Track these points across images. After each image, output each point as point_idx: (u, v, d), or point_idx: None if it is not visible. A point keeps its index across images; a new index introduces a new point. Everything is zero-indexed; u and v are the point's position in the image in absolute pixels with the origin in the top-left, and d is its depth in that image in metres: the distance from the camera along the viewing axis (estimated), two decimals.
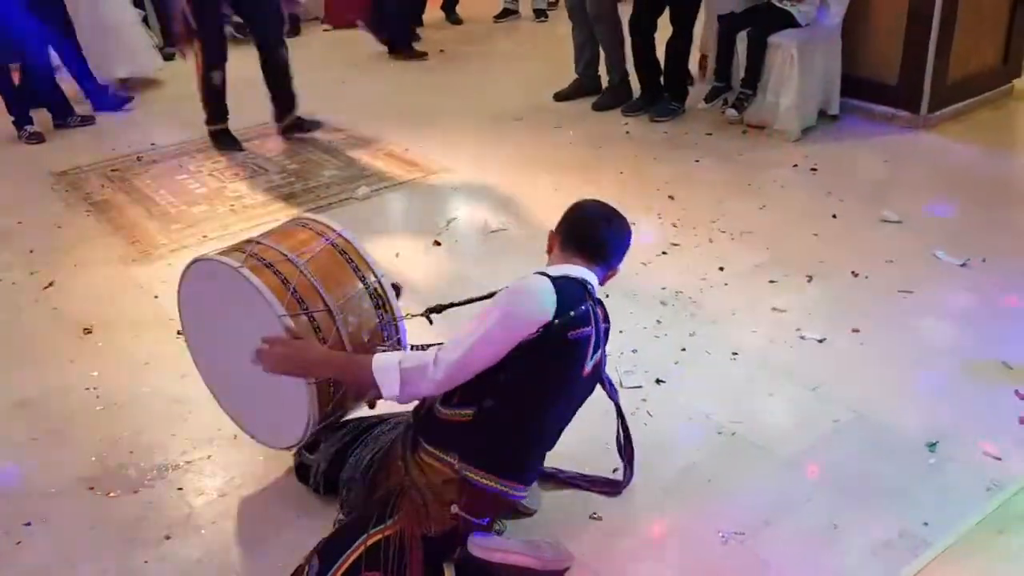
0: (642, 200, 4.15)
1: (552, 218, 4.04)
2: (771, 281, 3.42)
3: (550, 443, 2.24)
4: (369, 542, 2.02)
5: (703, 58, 5.58)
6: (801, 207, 4.04)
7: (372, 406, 2.46)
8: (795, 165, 4.46)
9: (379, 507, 2.10)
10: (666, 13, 5.03)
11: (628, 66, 5.36)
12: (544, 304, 1.97)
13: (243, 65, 5.36)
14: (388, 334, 2.30)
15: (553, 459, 2.36)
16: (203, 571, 2.30)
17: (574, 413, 2.25)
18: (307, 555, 2.09)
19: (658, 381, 2.86)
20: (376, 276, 2.28)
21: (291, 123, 5.30)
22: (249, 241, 2.36)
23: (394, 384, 1.99)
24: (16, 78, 5.57)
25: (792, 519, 2.31)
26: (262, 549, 2.35)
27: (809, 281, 3.41)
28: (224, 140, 5.21)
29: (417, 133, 5.19)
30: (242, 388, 2.44)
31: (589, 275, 2.13)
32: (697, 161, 4.60)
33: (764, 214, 3.98)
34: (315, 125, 5.34)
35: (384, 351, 2.15)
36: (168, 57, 6.80)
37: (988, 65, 5.09)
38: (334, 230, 2.33)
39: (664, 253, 3.67)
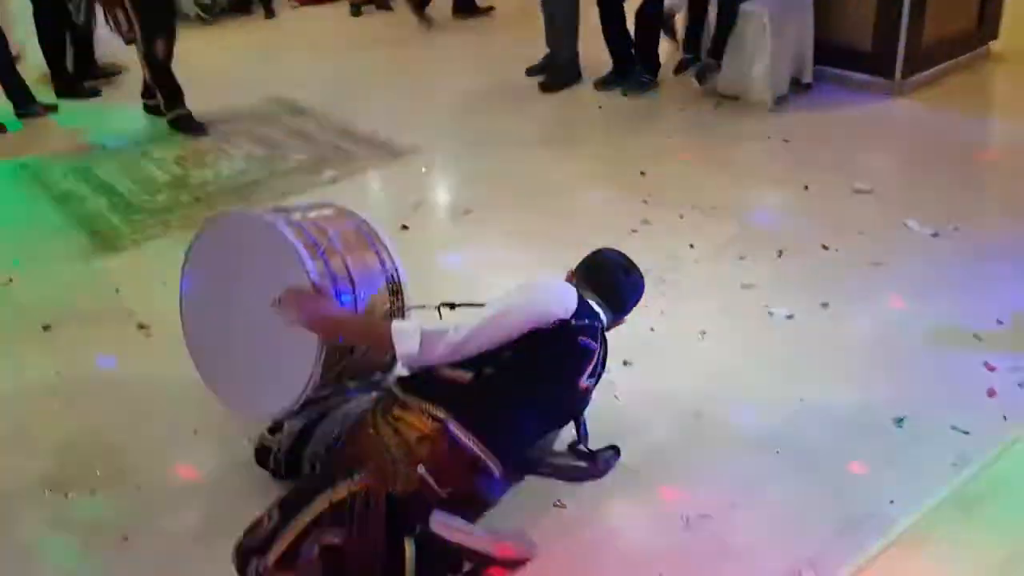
0: (613, 177, 4.09)
1: (521, 199, 4.03)
2: (741, 257, 3.37)
3: (529, 439, 2.24)
4: (334, 498, 1.99)
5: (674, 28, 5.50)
6: (773, 180, 3.99)
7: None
8: (768, 136, 4.40)
9: (345, 465, 2.08)
10: None
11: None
12: (566, 303, 2.16)
13: (207, 49, 5.30)
14: (395, 313, 2.38)
15: None
16: (162, 572, 2.26)
17: (558, 424, 2.34)
18: (268, 507, 2.06)
19: (625, 363, 2.81)
20: (394, 263, 2.38)
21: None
22: (280, 207, 2.45)
23: (414, 343, 2.08)
24: None
25: (758, 501, 2.28)
26: (223, 548, 2.30)
27: (779, 256, 3.36)
28: (190, 125, 5.09)
29: (387, 113, 5.10)
30: (236, 352, 2.43)
31: (601, 312, 2.30)
32: (669, 136, 4.54)
33: (735, 188, 3.93)
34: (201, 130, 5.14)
35: None
36: (129, 41, 6.65)
37: (963, 28, 5.02)
38: (360, 216, 2.46)
39: (634, 231, 3.61)
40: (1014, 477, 2.26)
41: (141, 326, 3.30)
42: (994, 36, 5.21)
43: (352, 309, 2.26)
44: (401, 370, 2.34)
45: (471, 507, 2.20)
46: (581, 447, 2.40)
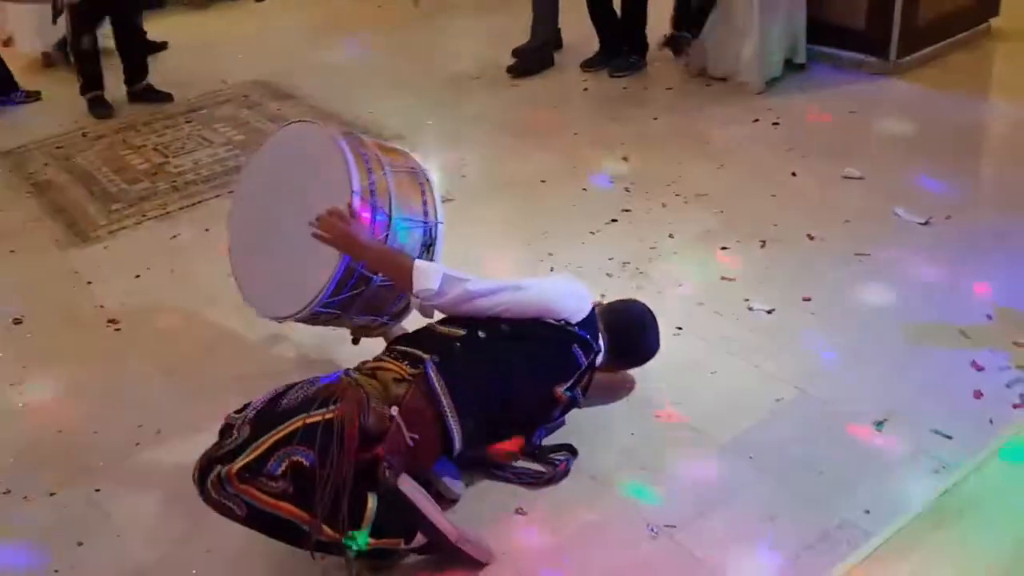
0: (595, 163, 3.98)
1: (501, 186, 3.94)
2: (723, 248, 3.27)
3: (493, 419, 2.20)
4: (308, 420, 1.96)
5: None
6: (760, 166, 3.86)
7: (356, 341, 2.55)
8: (756, 120, 4.26)
9: (320, 396, 2.04)
10: None
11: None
12: (579, 308, 2.28)
13: (196, 32, 5.19)
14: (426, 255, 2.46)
15: None
16: None
17: (522, 416, 2.29)
18: (237, 423, 2.04)
19: None
20: (437, 220, 2.44)
21: (139, 91, 5.25)
22: (352, 134, 2.54)
23: (434, 281, 2.15)
24: None
25: (727, 510, 2.20)
26: (179, 551, 2.25)
27: (762, 246, 3.25)
28: (97, 107, 5.14)
29: (370, 97, 4.99)
30: (267, 252, 2.53)
31: (603, 347, 2.39)
32: (655, 119, 4.42)
33: (721, 174, 3.81)
34: (167, 96, 5.25)
35: None
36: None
37: (962, 4, 4.83)
38: (424, 169, 2.56)
39: (614, 220, 3.51)
40: (998, 487, 2.12)
41: (111, 321, 3.25)
42: (995, 12, 5.02)
43: (383, 237, 2.32)
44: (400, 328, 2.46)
45: (429, 461, 2.18)
46: (534, 450, 2.35)
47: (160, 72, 5.29)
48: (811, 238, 3.27)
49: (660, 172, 3.86)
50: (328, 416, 1.98)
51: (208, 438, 2.11)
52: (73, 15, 4.94)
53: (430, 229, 2.43)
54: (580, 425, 2.46)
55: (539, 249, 3.37)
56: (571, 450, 2.36)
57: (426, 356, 2.14)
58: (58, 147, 4.84)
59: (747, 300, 2.96)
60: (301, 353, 2.92)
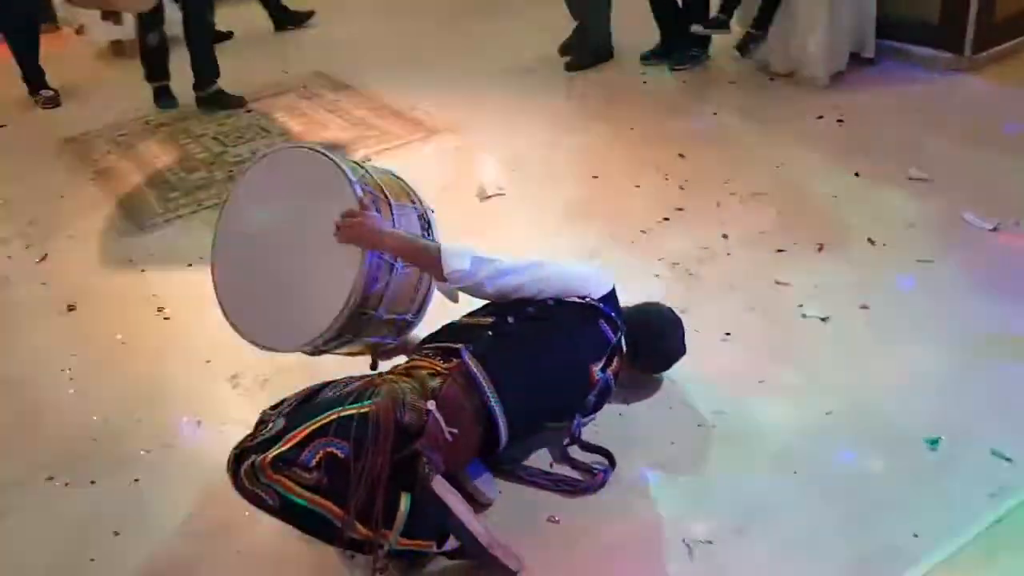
0: (650, 158, 3.88)
1: (552, 182, 3.87)
2: (778, 250, 3.15)
3: (537, 402, 2.18)
4: (343, 413, 1.96)
5: None
6: (821, 164, 3.72)
7: (374, 365, 2.44)
8: (820, 116, 4.11)
9: (356, 391, 2.05)
10: None
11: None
12: (602, 286, 2.30)
13: (249, 23, 5.22)
14: None
15: None
16: (151, 569, 2.22)
17: (565, 403, 2.24)
18: (271, 417, 2.06)
19: None
20: (424, 205, 2.45)
21: (209, 96, 5.09)
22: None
23: (465, 261, 2.13)
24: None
25: (768, 527, 2.11)
26: (213, 545, 2.26)
27: (820, 250, 3.13)
28: (162, 97, 5.16)
29: (426, 88, 4.96)
30: (269, 285, 2.37)
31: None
32: (715, 114, 4.30)
33: (780, 173, 3.68)
34: (238, 101, 5.09)
35: None
36: None
37: None
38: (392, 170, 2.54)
39: (666, 219, 3.42)
40: None
41: (160, 309, 3.28)
42: None
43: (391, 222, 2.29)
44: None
45: (469, 455, 2.14)
46: (574, 455, 2.29)
47: (223, 61, 5.32)
48: (872, 242, 3.14)
49: (716, 170, 3.75)
50: (364, 410, 1.97)
51: (244, 431, 2.11)
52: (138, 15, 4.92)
53: (423, 214, 2.42)
54: (619, 432, 2.39)
55: (587, 246, 3.30)
56: (610, 459, 2.29)
57: (459, 346, 2.13)
58: (121, 134, 4.92)
59: (801, 306, 2.85)
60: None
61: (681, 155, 3.90)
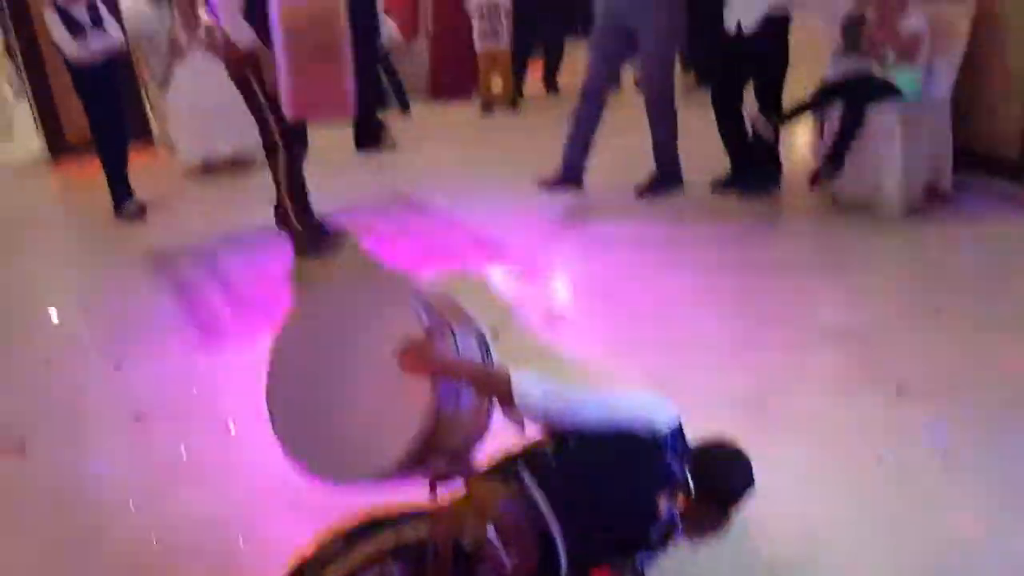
0: (720, 293, 3.84)
1: (618, 311, 3.83)
2: (854, 391, 3.05)
3: (601, 534, 2.08)
4: (400, 538, 1.93)
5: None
6: (899, 303, 3.62)
7: (433, 489, 2.28)
8: (897, 252, 4.04)
9: (415, 512, 2.03)
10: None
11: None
12: (668, 421, 2.14)
13: (343, 142, 5.32)
14: None
15: None
16: None
17: (628, 534, 2.13)
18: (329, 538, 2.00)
19: None
20: (480, 327, 2.36)
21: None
22: None
23: (536, 388, 2.07)
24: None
25: None
26: None
27: (899, 393, 3.01)
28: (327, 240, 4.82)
29: (498, 213, 5.06)
30: (328, 413, 2.30)
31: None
32: (787, 248, 4.26)
33: (857, 309, 3.60)
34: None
35: None
36: None
37: None
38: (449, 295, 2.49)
39: (738, 355, 3.35)
40: None
41: (228, 425, 3.31)
42: None
43: (454, 349, 2.22)
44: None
45: None
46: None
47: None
48: (955, 387, 3.01)
49: (790, 305, 3.68)
50: (421, 535, 1.94)
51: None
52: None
53: (480, 332, 2.36)
54: (683, 572, 2.29)
55: (653, 375, 3.25)
56: None
57: (521, 471, 2.07)
58: (206, 251, 5.10)
59: (878, 451, 2.72)
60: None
61: (753, 288, 3.85)
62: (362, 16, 4.32)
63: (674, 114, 5.04)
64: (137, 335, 4.14)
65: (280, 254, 4.87)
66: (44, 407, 3.63)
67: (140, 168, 5.98)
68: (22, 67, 7.54)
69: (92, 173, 6.01)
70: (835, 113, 4.45)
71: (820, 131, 4.78)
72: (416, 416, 2.12)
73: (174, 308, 4.42)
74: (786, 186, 4.90)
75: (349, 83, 3.99)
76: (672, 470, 2.15)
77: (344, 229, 4.90)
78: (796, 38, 4.79)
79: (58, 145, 7.31)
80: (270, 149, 4.45)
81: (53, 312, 4.51)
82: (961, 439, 2.75)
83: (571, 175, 5.02)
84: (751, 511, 2.44)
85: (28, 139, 7.85)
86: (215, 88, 6.28)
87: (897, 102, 4.30)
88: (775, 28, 4.61)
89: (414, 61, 8.57)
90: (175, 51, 6.59)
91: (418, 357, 2.13)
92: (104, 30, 5.55)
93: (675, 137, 5.08)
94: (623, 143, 5.52)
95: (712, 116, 4.92)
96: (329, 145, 6.45)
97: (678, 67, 5.29)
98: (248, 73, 4.22)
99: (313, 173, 5.12)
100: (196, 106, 6.53)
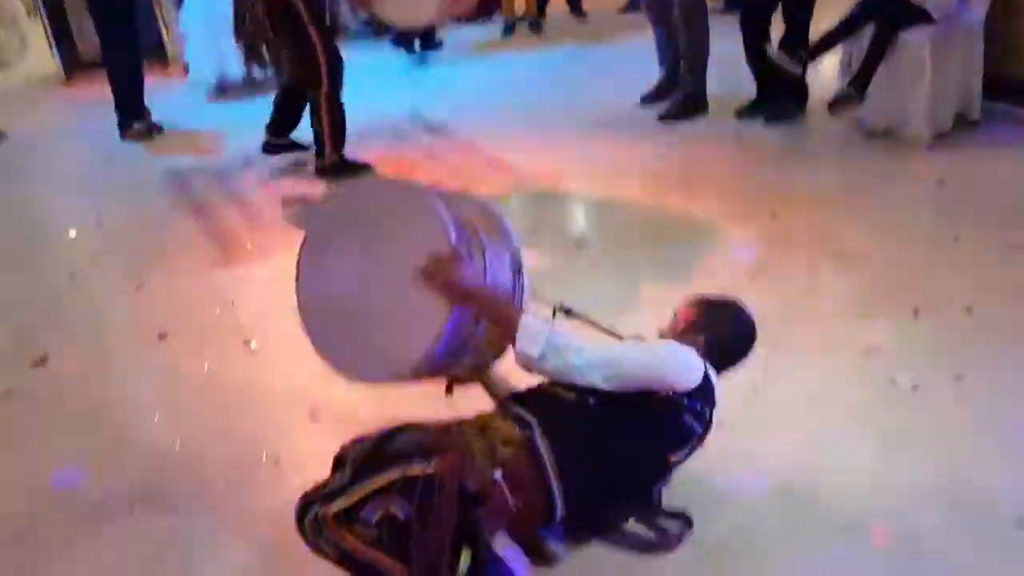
0: (740, 216, 3.83)
1: (639, 236, 3.82)
2: (870, 314, 3.05)
3: (599, 490, 2.09)
4: (408, 472, 1.93)
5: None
6: (920, 228, 3.61)
7: (450, 390, 2.38)
8: (921, 178, 4.00)
9: (425, 448, 2.01)
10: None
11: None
12: (689, 381, 2.08)
13: (364, 64, 5.30)
14: (516, 300, 2.29)
15: None
16: None
17: (631, 490, 2.17)
18: (349, 457, 2.04)
19: (719, 425, 2.58)
20: (517, 246, 2.32)
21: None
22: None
23: (536, 347, 2.02)
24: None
25: None
26: None
27: (914, 316, 3.02)
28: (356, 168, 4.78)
29: (518, 136, 5.03)
30: (352, 316, 2.33)
31: (717, 383, 2.21)
32: (809, 171, 4.22)
33: (875, 234, 3.58)
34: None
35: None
36: None
37: None
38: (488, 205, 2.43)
39: (755, 277, 3.35)
40: None
41: (246, 342, 3.35)
42: None
43: (482, 270, 2.19)
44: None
45: (531, 533, 2.07)
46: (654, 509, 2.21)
47: None
48: (970, 311, 3.01)
49: (809, 229, 3.67)
50: (428, 471, 1.94)
51: (320, 466, 2.12)
52: (328, 66, 4.50)
53: (514, 253, 2.31)
54: (695, 496, 2.32)
55: (673, 300, 3.24)
56: (686, 520, 2.22)
57: (532, 419, 2.07)
58: (221, 171, 5.11)
59: (891, 373, 2.74)
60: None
61: (773, 214, 3.83)
62: None
63: (705, 35, 4.96)
64: (158, 254, 4.18)
65: (295, 174, 4.89)
66: (68, 323, 3.69)
67: (153, 88, 5.95)
68: None
69: (106, 92, 5.99)
70: (863, 38, 4.34)
71: (847, 57, 4.69)
72: (432, 328, 2.13)
73: (192, 227, 4.44)
74: (811, 113, 4.83)
75: None
76: (691, 429, 2.14)
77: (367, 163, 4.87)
78: None
79: (72, 64, 7.27)
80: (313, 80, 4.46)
81: (72, 232, 4.54)
82: (975, 363, 2.76)
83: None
84: (767, 433, 2.49)
85: (42, 58, 7.80)
86: (229, 8, 6.28)
87: (928, 28, 4.20)
88: None
89: None
90: None
91: (438, 277, 2.10)
92: None
93: (705, 60, 5.01)
94: (645, 69, 5.43)
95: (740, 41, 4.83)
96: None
97: None
98: None
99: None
100: (210, 26, 6.46)
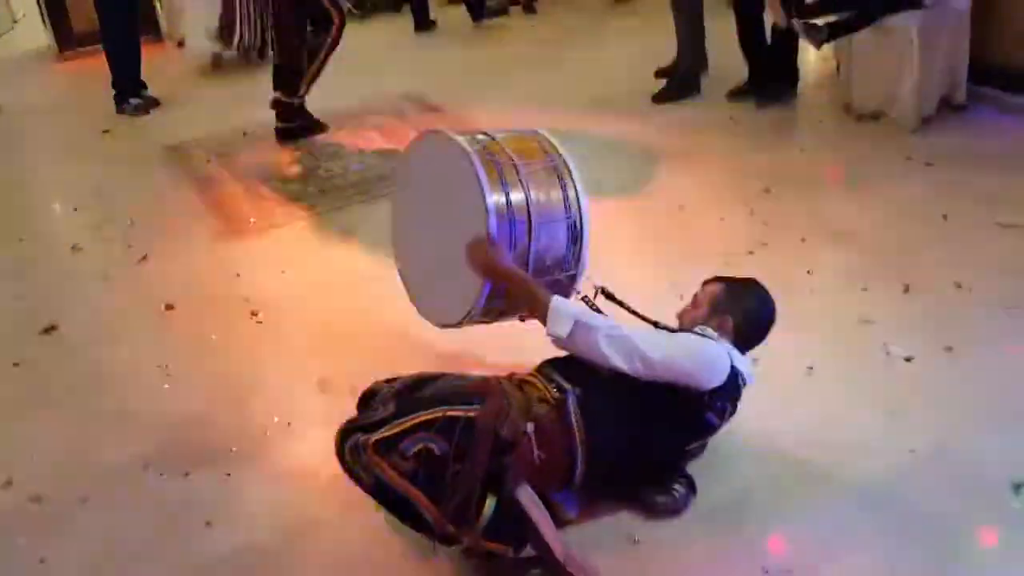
0: (735, 192, 3.92)
1: (636, 212, 3.90)
2: (863, 289, 3.15)
3: (625, 464, 2.22)
4: (449, 412, 2.05)
5: None
6: (909, 206, 3.71)
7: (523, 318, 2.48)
8: (908, 158, 4.09)
9: (466, 394, 2.15)
10: None
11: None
12: (712, 381, 2.16)
13: (355, 44, 5.34)
14: (568, 267, 2.40)
15: None
16: (239, 559, 2.32)
17: (652, 468, 2.29)
18: (382, 392, 2.23)
19: None
20: (581, 211, 2.39)
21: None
22: (485, 133, 2.48)
23: (564, 329, 2.12)
24: None
25: (847, 560, 2.12)
26: (300, 541, 2.35)
27: (905, 291, 3.12)
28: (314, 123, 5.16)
29: (515, 114, 5.08)
30: (425, 259, 2.56)
31: (747, 368, 2.29)
32: (801, 151, 4.32)
33: (866, 212, 3.68)
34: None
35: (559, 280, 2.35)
36: None
37: None
38: (561, 154, 2.47)
39: (750, 253, 3.44)
40: None
41: (253, 313, 3.41)
42: None
43: (526, 249, 2.30)
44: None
45: (548, 490, 2.17)
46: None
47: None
48: (959, 286, 3.12)
49: (802, 206, 3.77)
50: (471, 414, 2.06)
51: (331, 434, 2.18)
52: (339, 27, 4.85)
53: (574, 223, 2.39)
54: (702, 459, 2.42)
55: (670, 276, 3.33)
56: (690, 484, 2.32)
57: (568, 387, 2.17)
58: (220, 144, 5.15)
59: (885, 345, 2.85)
60: (438, 353, 2.91)
61: (767, 190, 3.93)
62: None
63: (698, 18, 5.06)
64: (159, 227, 4.22)
65: (297, 151, 4.93)
66: (73, 294, 3.74)
67: (148, 63, 5.96)
68: None
69: (100, 67, 5.99)
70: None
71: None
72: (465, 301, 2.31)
73: (193, 200, 4.48)
74: (802, 96, 4.93)
75: None
76: (710, 424, 2.24)
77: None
78: None
79: (66, 38, 7.24)
80: (323, 21, 4.73)
81: (72, 204, 4.56)
82: (965, 335, 2.87)
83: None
84: (767, 400, 2.59)
85: (35, 31, 7.76)
86: None
87: (917, 13, 4.28)
88: None
89: None
90: None
91: (477, 258, 2.25)
92: None
93: (698, 43, 5.12)
94: (640, 48, 5.50)
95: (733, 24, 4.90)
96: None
97: None
98: None
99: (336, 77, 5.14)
100: (206, 2, 6.45)
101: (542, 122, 4.82)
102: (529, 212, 2.31)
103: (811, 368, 2.78)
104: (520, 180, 2.33)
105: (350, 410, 2.37)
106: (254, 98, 5.48)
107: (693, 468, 2.37)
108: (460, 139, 2.37)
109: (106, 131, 5.55)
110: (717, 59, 5.25)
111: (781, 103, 4.83)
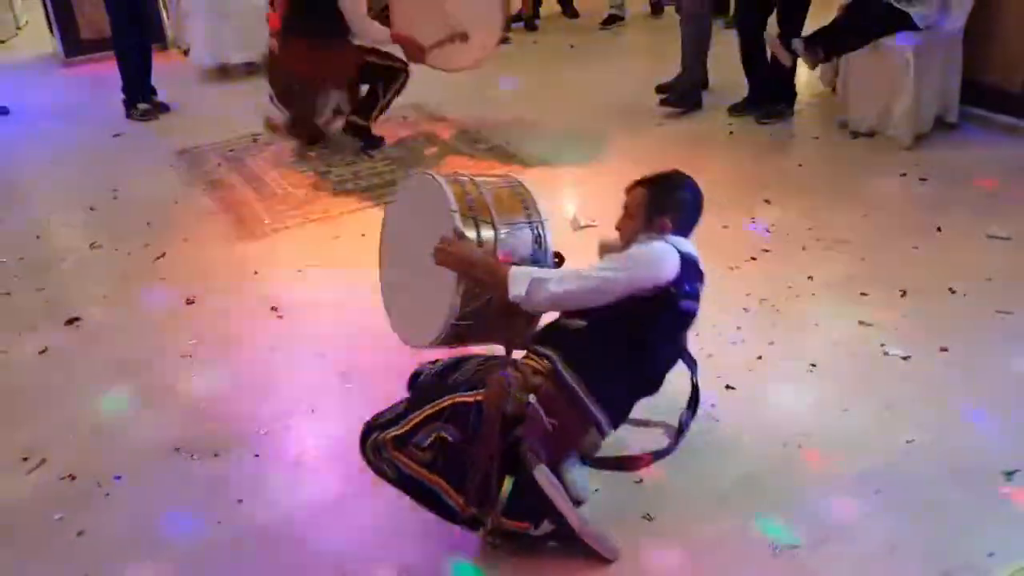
0: (737, 202, 4.06)
1: None
2: (862, 293, 3.31)
3: (631, 391, 2.31)
4: (457, 400, 2.18)
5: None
6: (904, 218, 3.88)
7: (509, 351, 2.53)
8: (903, 173, 4.28)
9: (472, 381, 2.28)
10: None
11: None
12: (668, 273, 2.21)
13: None
14: (535, 256, 2.51)
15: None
16: (269, 536, 2.43)
17: (662, 374, 2.33)
18: (424, 373, 2.44)
19: (728, 387, 2.83)
20: (540, 219, 2.53)
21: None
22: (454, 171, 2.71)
23: (522, 288, 2.23)
24: None
25: (850, 538, 2.26)
26: (328, 519, 2.47)
27: (902, 296, 3.28)
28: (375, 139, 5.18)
29: (519, 126, 5.23)
30: (405, 287, 2.69)
31: (695, 251, 2.36)
32: (800, 165, 4.49)
33: (864, 223, 3.84)
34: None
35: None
36: None
37: None
38: (520, 181, 2.66)
39: (753, 259, 3.59)
40: None
41: (273, 308, 3.52)
42: None
43: (492, 250, 2.40)
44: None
45: (569, 446, 2.25)
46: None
47: None
48: (952, 291, 3.28)
49: (802, 216, 3.92)
50: (479, 397, 2.18)
51: (355, 419, 2.30)
52: None
53: (536, 227, 2.52)
54: (713, 445, 2.56)
55: None
56: (692, 403, 2.34)
57: (550, 353, 2.27)
58: (231, 150, 5.25)
59: (883, 345, 3.00)
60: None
61: (767, 201, 4.08)
62: None
63: (705, 33, 5.23)
64: (176, 227, 4.31)
65: (305, 156, 5.05)
66: (94, 288, 3.82)
67: (156, 70, 6.06)
68: None
69: (106, 73, 6.07)
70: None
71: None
72: (444, 306, 2.40)
73: (208, 202, 4.58)
74: (799, 114, 5.11)
75: None
76: (689, 311, 2.30)
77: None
78: None
79: (73, 43, 7.32)
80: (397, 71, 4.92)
81: (90, 204, 4.65)
82: (958, 336, 3.03)
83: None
84: (772, 396, 2.72)
85: (39, 38, 7.84)
86: None
87: (912, 35, 4.47)
88: None
89: None
90: None
91: (441, 254, 2.35)
92: None
93: (702, 58, 5.27)
94: (639, 65, 5.65)
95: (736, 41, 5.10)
96: None
97: None
98: None
99: None
100: (212, 12, 6.58)
101: (544, 134, 5.07)
102: (492, 217, 2.44)
103: (813, 365, 2.92)
104: (482, 194, 2.50)
105: (371, 398, 2.51)
106: (262, 103, 5.61)
107: (704, 456, 2.50)
108: (429, 172, 2.61)
109: (117, 135, 5.64)
110: (718, 77, 5.42)
111: (780, 120, 5.00)
